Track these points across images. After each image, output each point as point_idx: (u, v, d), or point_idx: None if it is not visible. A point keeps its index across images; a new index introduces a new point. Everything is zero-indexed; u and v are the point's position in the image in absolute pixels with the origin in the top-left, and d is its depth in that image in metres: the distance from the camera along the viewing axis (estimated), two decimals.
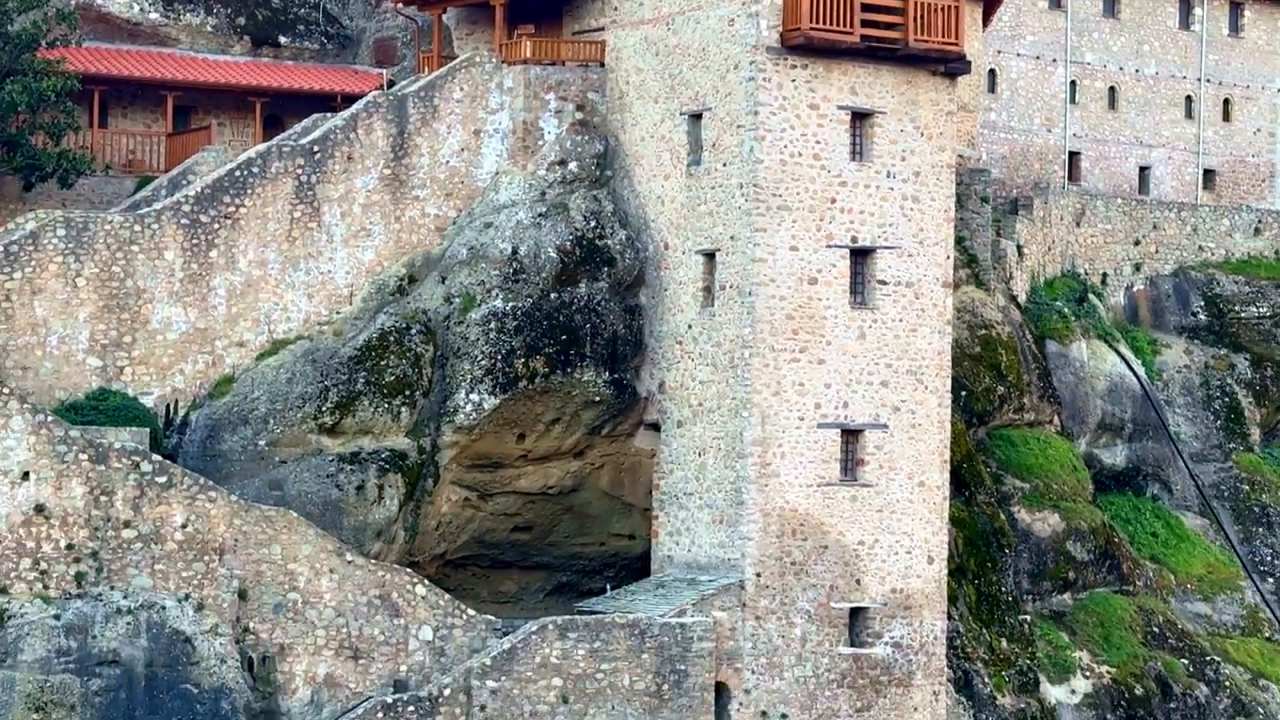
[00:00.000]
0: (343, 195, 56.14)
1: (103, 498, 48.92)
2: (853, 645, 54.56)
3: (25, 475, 48.31)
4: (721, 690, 52.76)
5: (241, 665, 49.76)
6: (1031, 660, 60.26)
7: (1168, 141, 77.92)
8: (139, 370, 53.62)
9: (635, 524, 58.02)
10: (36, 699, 47.80)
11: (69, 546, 48.69)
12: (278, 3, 67.92)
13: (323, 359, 54.88)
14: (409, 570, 52.51)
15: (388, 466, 54.80)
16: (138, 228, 53.75)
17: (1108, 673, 61.79)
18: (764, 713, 53.32)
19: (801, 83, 54.22)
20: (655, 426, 56.83)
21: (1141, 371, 71.26)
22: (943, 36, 55.59)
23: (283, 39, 67.84)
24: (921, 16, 55.16)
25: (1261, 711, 64.76)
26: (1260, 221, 77.65)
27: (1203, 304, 74.52)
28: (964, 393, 61.38)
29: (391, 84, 62.55)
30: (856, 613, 54.68)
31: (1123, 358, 70.88)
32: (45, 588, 48.50)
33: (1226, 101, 79.26)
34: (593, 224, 56.81)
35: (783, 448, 53.86)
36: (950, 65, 56.13)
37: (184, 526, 49.52)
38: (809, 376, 54.22)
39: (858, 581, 54.65)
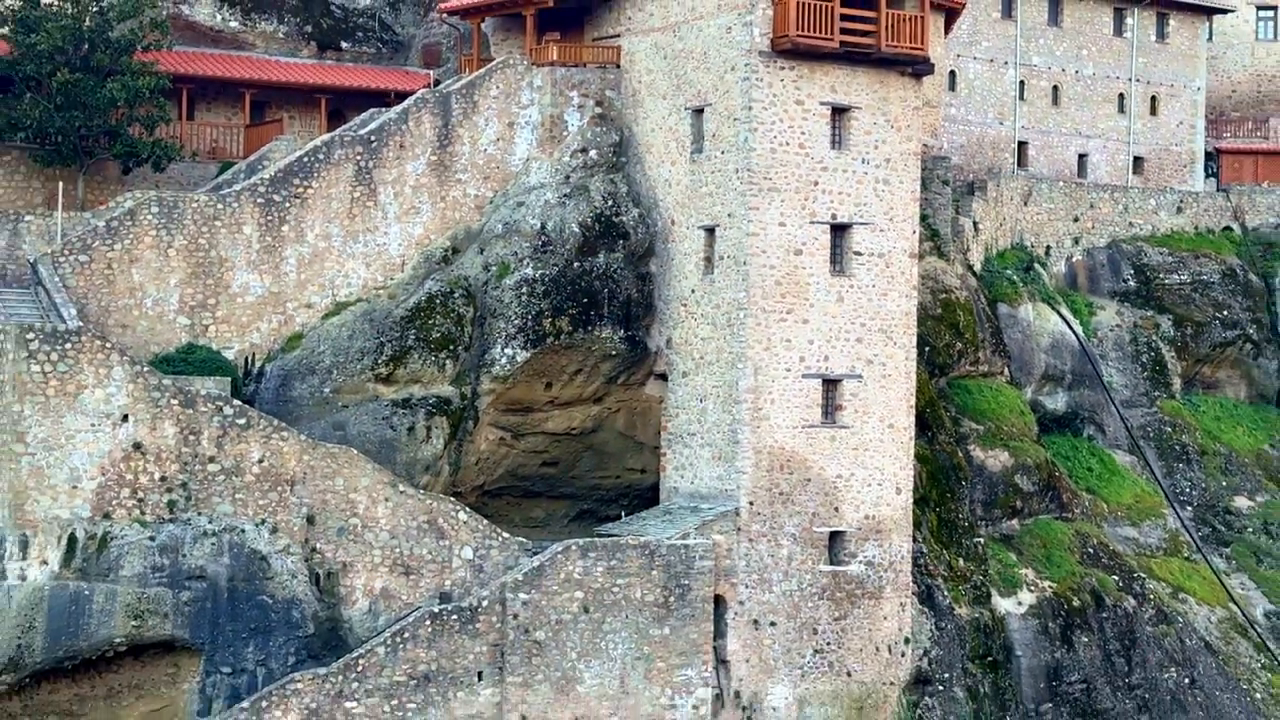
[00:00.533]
0: (396, 178, 55.99)
1: (191, 437, 48.96)
2: (832, 564, 54.57)
3: (125, 417, 48.36)
4: (719, 602, 52.77)
5: (310, 580, 49.86)
6: (984, 577, 60.24)
7: (1103, 133, 77.64)
8: (221, 328, 53.58)
9: (646, 460, 57.96)
10: (135, 608, 48.00)
11: (162, 478, 48.73)
12: (340, 12, 67.76)
13: (379, 318, 54.84)
14: (452, 499, 52.58)
15: (435, 410, 54.80)
16: (220, 206, 53.68)
17: (1049, 587, 61.74)
18: (755, 621, 53.33)
19: (789, 82, 54.00)
20: (663, 376, 56.76)
21: (1079, 330, 71.15)
22: (910, 43, 55.37)
23: (344, 44, 67.71)
24: (892, 25, 54.97)
25: (1180, 620, 64.77)
26: (1182, 202, 77.43)
27: (1132, 272, 74.38)
28: (927, 348, 61.26)
29: (437, 83, 62.41)
30: (835, 536, 54.67)
31: (1063, 318, 70.77)
32: (142, 514, 48.56)
33: (1154, 99, 78.93)
34: (610, 203, 56.68)
35: (772, 395, 53.79)
36: (916, 67, 55.88)
37: (260, 461, 49.55)
38: (795, 334, 54.13)
39: (836, 509, 54.62)
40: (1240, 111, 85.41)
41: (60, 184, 56.95)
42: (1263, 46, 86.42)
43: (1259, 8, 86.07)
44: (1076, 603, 61.83)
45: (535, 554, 51.30)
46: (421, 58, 68.56)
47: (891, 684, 55.29)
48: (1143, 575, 65.21)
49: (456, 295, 55.53)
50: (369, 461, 51.07)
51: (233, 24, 65.74)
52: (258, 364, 53.97)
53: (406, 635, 48.93)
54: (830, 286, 54.65)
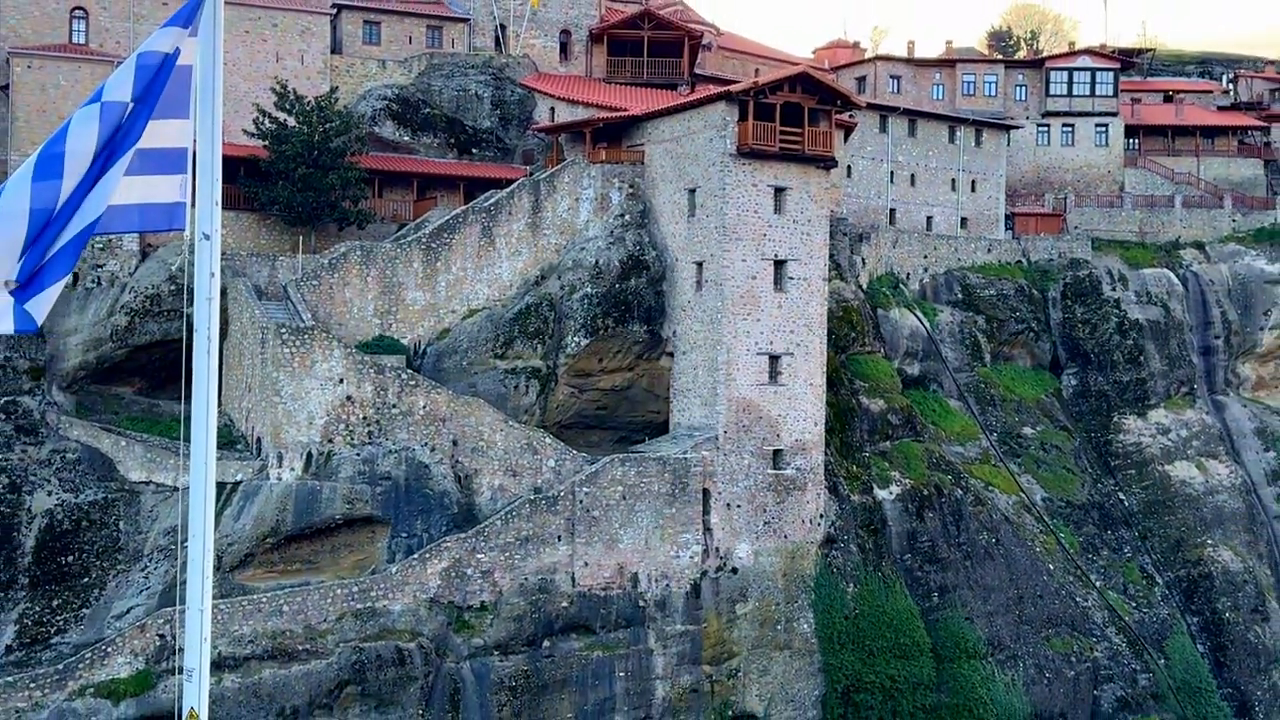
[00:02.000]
0: (506, 233, 55.92)
1: (381, 391, 49.10)
2: (775, 469, 54.43)
3: (340, 380, 48.52)
4: (706, 493, 52.70)
5: (455, 480, 49.99)
6: (869, 477, 60.04)
7: (942, 203, 77.11)
8: (399, 325, 53.63)
9: (661, 406, 57.76)
10: (348, 497, 48.19)
11: (364, 418, 48.87)
12: (471, 131, 67.71)
13: (496, 319, 54.81)
14: (542, 430, 52.64)
15: (531, 376, 54.75)
16: (399, 250, 53.69)
17: (910, 483, 61.48)
18: (728, 505, 53.22)
19: (748, 172, 53.75)
20: (671, 355, 56.59)
21: (927, 324, 70.79)
22: (823, 148, 55.08)
23: (474, 150, 67.60)
24: (811, 137, 54.68)
25: (989, 503, 64.46)
26: (991, 245, 76.86)
27: (960, 289, 73.85)
28: (833, 336, 61.01)
29: (532, 174, 62.28)
30: (777, 452, 54.50)
31: (918, 317, 70.42)
32: (352, 439, 48.70)
33: (974, 182, 78.35)
34: (638, 248, 56.48)
35: (738, 366, 53.63)
36: (827, 163, 55.58)
37: (424, 407, 49.64)
38: (752, 328, 53.93)
39: (778, 435, 54.45)
40: (1027, 189, 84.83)
41: (300, 237, 57.09)
42: (1041, 149, 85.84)
43: (1038, 125, 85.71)
44: (926, 493, 61.62)
45: (593, 464, 51.35)
46: (522, 158, 68.46)
47: (812, 543, 55.18)
48: (966, 475, 64.94)
49: (544, 305, 55.44)
50: (490, 407, 51.19)
51: (405, 138, 65.71)
52: (422, 347, 54.05)
53: (514, 513, 49.07)
54: (774, 299, 54.44)
